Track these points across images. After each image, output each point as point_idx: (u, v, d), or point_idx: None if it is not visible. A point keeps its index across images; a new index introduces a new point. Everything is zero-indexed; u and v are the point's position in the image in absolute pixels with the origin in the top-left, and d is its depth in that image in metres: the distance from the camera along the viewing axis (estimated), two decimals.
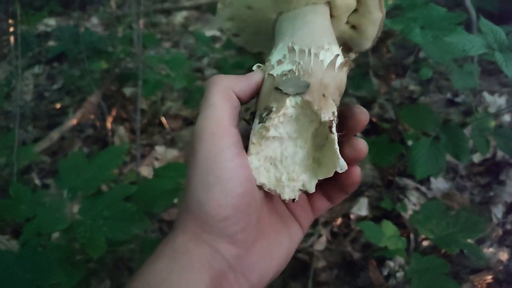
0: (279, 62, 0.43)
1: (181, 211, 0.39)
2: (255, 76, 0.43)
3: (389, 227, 0.90)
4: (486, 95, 1.62)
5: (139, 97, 1.18)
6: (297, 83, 0.41)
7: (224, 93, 0.39)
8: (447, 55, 0.94)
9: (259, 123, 0.40)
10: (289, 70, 0.41)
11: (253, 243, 0.38)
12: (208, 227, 0.36)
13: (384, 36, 1.23)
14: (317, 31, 0.44)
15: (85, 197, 0.87)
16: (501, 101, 1.60)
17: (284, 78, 0.41)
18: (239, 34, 0.51)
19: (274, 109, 0.40)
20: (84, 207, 0.84)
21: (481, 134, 1.13)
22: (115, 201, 0.83)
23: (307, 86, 0.40)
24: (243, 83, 0.41)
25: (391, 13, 1.17)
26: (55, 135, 1.82)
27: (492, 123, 1.21)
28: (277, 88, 0.41)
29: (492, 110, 1.57)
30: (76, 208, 0.88)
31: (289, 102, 0.40)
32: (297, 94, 0.40)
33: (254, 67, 0.44)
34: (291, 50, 0.42)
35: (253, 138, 0.40)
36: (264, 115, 0.40)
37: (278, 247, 0.41)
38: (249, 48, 0.54)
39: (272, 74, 0.42)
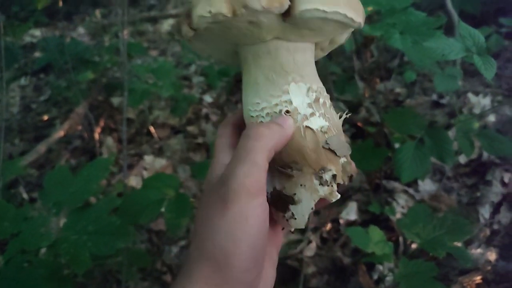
0: (312, 114, 0.43)
1: (195, 257, 0.38)
2: (290, 129, 0.42)
3: (376, 232, 0.91)
4: (470, 96, 1.64)
5: (125, 108, 1.17)
6: (340, 144, 0.42)
7: (268, 154, 0.40)
8: (428, 60, 0.95)
9: (320, 184, 0.41)
10: (327, 127, 0.43)
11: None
12: (231, 278, 0.37)
13: (366, 41, 1.24)
14: (315, 72, 0.46)
15: (70, 211, 0.86)
16: (485, 101, 1.62)
17: (327, 136, 0.42)
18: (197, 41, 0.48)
19: (334, 172, 0.41)
20: (69, 223, 0.83)
21: (465, 135, 1.14)
22: (101, 215, 0.82)
23: (350, 149, 0.43)
24: (283, 139, 0.41)
25: (372, 18, 1.19)
26: (42, 147, 1.80)
27: (476, 124, 1.23)
28: (330, 149, 0.42)
29: (477, 111, 1.59)
30: (63, 222, 0.87)
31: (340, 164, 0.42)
32: (344, 156, 0.42)
33: (283, 114, 0.43)
34: (316, 100, 0.43)
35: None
36: (326, 177, 0.41)
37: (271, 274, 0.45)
38: (201, 52, 0.52)
39: (311, 128, 0.42)
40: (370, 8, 0.94)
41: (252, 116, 0.44)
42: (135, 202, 1.06)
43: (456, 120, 1.18)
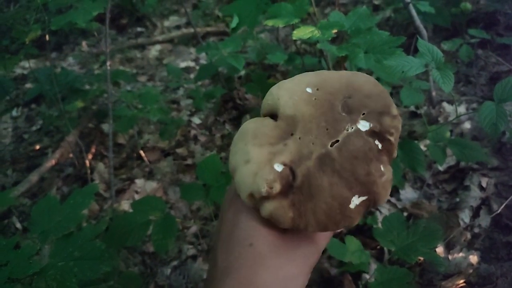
0: None
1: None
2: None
3: (352, 242, 0.94)
4: (445, 105, 1.69)
5: (111, 135, 1.22)
6: None
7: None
8: (392, 76, 1.00)
9: None
10: None
11: None
12: None
13: (340, 60, 1.30)
14: None
15: (57, 239, 0.89)
16: (460, 109, 1.68)
17: None
18: None
19: None
20: (56, 250, 0.86)
21: (436, 144, 1.19)
22: (85, 241, 0.85)
23: None
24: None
25: (344, 38, 1.25)
26: (34, 177, 1.84)
27: (448, 133, 1.28)
28: None
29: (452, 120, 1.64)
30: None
31: None
32: None
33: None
34: None
35: None
36: None
37: None
38: None
39: None
40: (334, 31, 1.00)
41: None
42: (122, 226, 1.10)
43: (425, 129, 1.23)
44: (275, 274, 0.38)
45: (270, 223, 0.40)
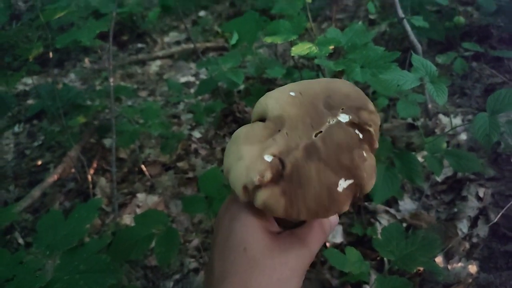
0: None
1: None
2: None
3: (352, 253, 0.96)
4: (441, 117, 1.73)
5: (114, 150, 1.24)
6: None
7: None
8: (390, 90, 1.03)
9: None
10: None
11: None
12: None
13: (337, 74, 1.34)
14: None
15: (62, 253, 0.91)
16: (456, 121, 1.71)
17: None
18: None
19: None
20: (61, 264, 0.88)
21: (433, 156, 1.22)
22: (91, 254, 0.87)
23: None
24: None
25: (341, 53, 1.29)
26: (36, 192, 1.85)
27: (444, 145, 1.30)
28: None
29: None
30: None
31: None
32: None
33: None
34: None
35: None
36: None
37: None
38: None
39: None
40: (331, 47, 1.04)
41: None
42: (125, 239, 1.11)
43: (421, 141, 1.26)
44: (270, 277, 0.40)
45: (264, 228, 0.43)
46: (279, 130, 0.43)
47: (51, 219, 1.00)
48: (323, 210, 0.40)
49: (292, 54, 1.01)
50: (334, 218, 0.48)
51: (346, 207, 0.40)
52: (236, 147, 0.44)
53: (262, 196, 0.40)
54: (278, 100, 0.46)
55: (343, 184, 0.40)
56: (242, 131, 0.46)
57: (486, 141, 0.87)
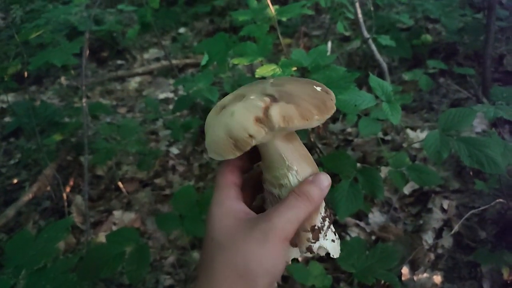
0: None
1: (224, 271, 0.46)
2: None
3: (315, 267, 0.99)
4: (409, 131, 1.80)
5: (86, 170, 1.26)
6: None
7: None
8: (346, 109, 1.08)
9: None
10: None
11: None
12: None
13: None
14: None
15: (30, 273, 0.92)
16: (423, 135, 1.78)
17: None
18: None
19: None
20: (29, 284, 0.89)
21: (396, 170, 1.27)
22: (58, 274, 0.88)
23: None
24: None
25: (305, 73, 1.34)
26: (10, 211, 1.84)
27: (407, 159, 1.36)
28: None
29: (416, 145, 1.74)
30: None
31: None
32: None
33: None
34: None
35: None
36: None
37: None
38: None
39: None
40: (294, 68, 1.09)
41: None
42: (96, 258, 1.12)
43: (389, 156, 1.31)
44: (232, 256, 0.46)
45: (230, 215, 0.49)
46: (244, 96, 0.51)
47: (20, 239, 1.01)
48: (321, 104, 0.49)
49: (257, 76, 1.05)
50: (326, 181, 0.52)
51: (333, 103, 0.51)
52: (221, 112, 0.50)
53: (276, 111, 0.47)
54: (230, 95, 0.54)
55: (317, 88, 0.52)
56: (216, 106, 0.53)
57: (436, 158, 0.92)
